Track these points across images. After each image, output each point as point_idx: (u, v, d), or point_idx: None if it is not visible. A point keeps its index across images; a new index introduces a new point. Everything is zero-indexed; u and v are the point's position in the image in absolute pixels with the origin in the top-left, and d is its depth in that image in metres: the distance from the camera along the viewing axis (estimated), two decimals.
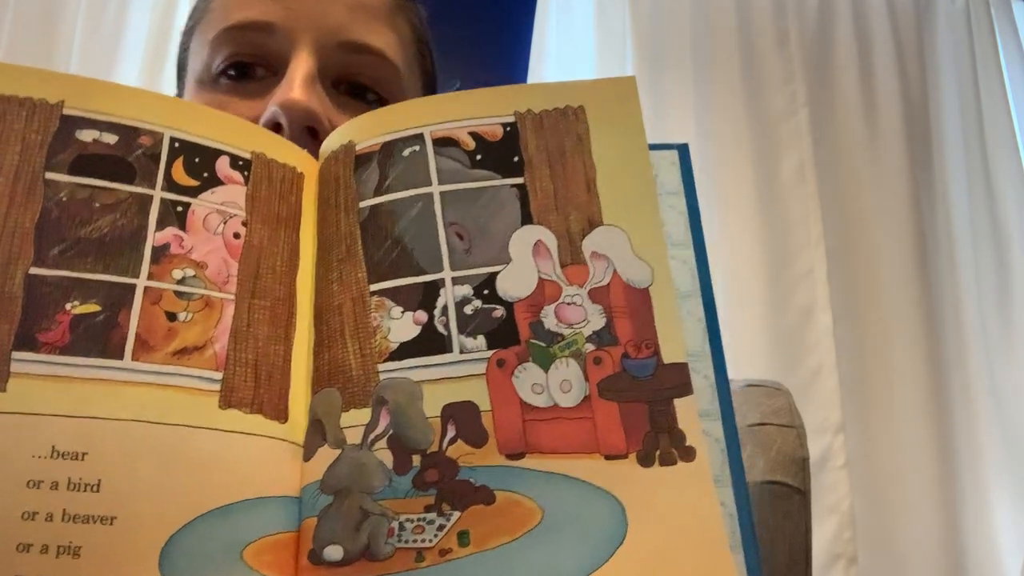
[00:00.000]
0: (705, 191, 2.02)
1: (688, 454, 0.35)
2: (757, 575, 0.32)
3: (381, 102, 0.54)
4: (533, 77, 2.05)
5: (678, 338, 0.36)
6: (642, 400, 0.35)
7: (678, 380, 0.36)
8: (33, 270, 0.34)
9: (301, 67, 0.50)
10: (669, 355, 0.36)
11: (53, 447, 0.32)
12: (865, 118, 2.13)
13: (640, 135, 0.39)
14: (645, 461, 0.35)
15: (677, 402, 0.35)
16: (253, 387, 0.36)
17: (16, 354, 0.33)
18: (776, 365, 1.91)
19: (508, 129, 0.39)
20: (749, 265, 1.96)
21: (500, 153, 0.39)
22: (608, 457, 0.35)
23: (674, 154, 0.40)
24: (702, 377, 0.37)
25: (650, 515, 0.33)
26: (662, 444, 0.35)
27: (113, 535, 0.32)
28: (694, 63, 2.08)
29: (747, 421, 0.85)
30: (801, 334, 1.95)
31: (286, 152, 0.41)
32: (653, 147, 0.40)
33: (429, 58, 0.59)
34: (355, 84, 0.53)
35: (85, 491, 0.32)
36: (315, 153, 0.43)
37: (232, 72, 0.51)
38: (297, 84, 0.48)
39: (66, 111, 0.37)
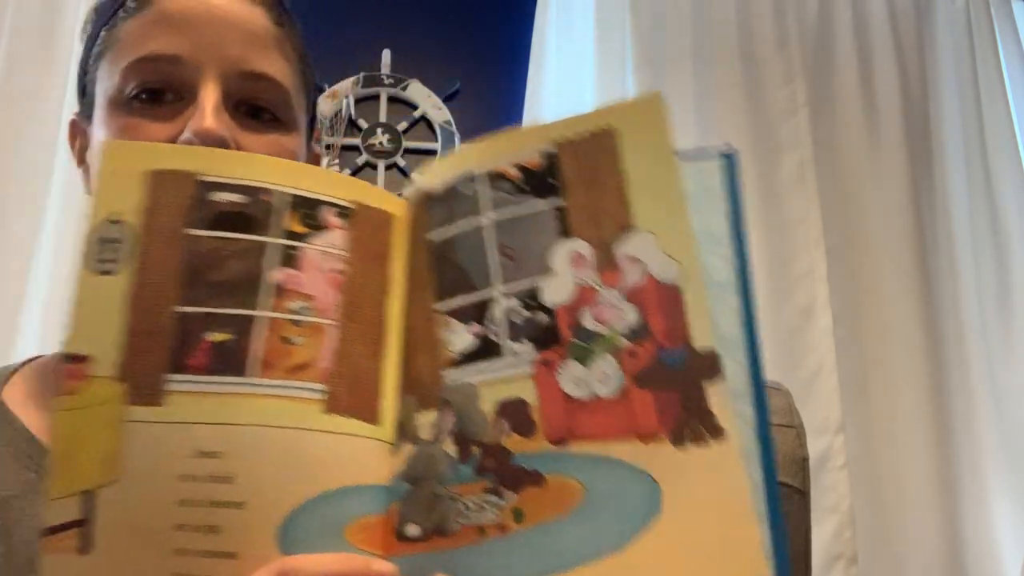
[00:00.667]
0: None
1: (718, 434, 0.38)
2: (781, 546, 0.35)
3: (275, 120, 0.60)
4: (533, 77, 2.05)
5: (707, 327, 0.40)
6: (675, 387, 0.39)
7: (708, 366, 0.39)
8: (180, 308, 0.43)
9: (210, 97, 0.56)
10: (699, 343, 0.40)
11: (197, 448, 0.41)
12: (865, 118, 2.13)
13: (667, 147, 0.43)
14: (678, 442, 0.38)
15: (708, 387, 0.39)
16: (350, 396, 0.43)
17: (170, 376, 0.42)
18: (776, 365, 1.91)
19: (548, 158, 0.45)
20: None
21: (542, 179, 0.45)
22: (643, 439, 0.39)
23: (724, 160, 0.44)
24: (736, 362, 0.39)
25: (683, 491, 0.37)
26: (693, 426, 0.38)
27: (243, 516, 0.41)
28: (694, 63, 2.08)
29: None
30: (801, 334, 1.95)
31: (380, 198, 0.48)
32: (704, 155, 0.44)
33: (310, 73, 0.69)
34: (254, 107, 0.60)
35: (222, 483, 0.41)
36: None
37: (144, 96, 0.57)
38: (208, 113, 0.55)
39: (203, 178, 0.45)
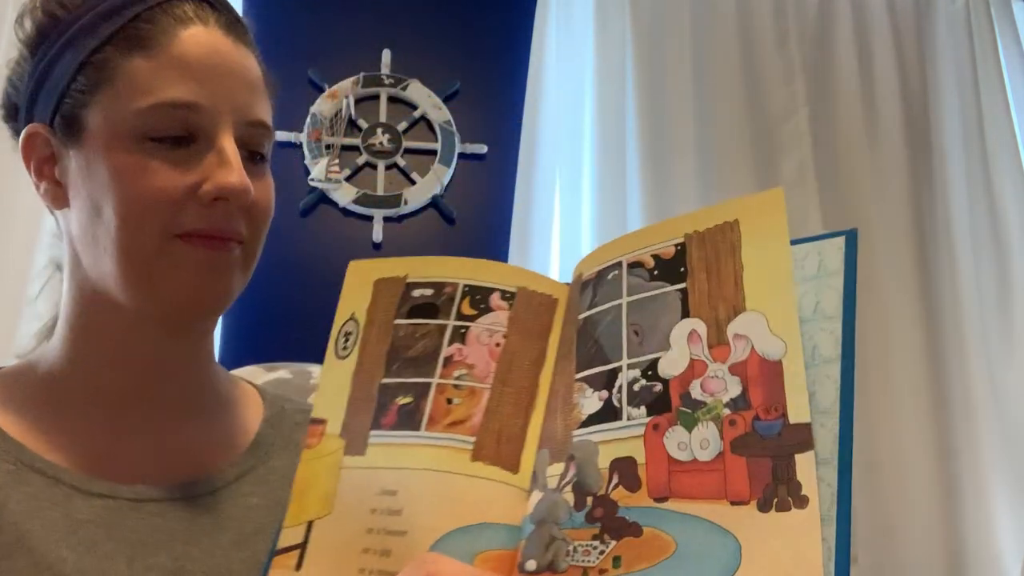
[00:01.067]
0: (705, 191, 2.02)
1: (802, 502, 0.41)
2: None
3: (263, 159, 0.64)
4: (533, 77, 2.05)
5: (804, 402, 0.43)
6: (767, 455, 0.43)
7: (801, 438, 0.42)
8: (382, 381, 0.56)
9: (231, 148, 0.59)
10: (795, 417, 0.43)
11: (382, 488, 0.52)
12: (865, 118, 2.13)
13: (782, 237, 0.48)
14: (764, 507, 0.42)
15: (798, 457, 0.42)
16: (495, 447, 0.52)
17: (371, 433, 0.54)
18: None
19: (679, 248, 0.51)
20: None
21: (671, 267, 0.50)
22: (733, 503, 0.43)
23: (841, 240, 0.47)
24: (827, 430, 0.43)
25: (762, 551, 0.41)
26: (780, 493, 0.42)
27: (405, 542, 0.50)
28: (694, 63, 2.08)
29: None
30: None
31: (544, 284, 0.57)
32: (824, 236, 0.48)
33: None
34: (252, 149, 0.62)
35: (395, 515, 0.51)
36: (240, 221, 0.60)
37: (163, 137, 0.59)
38: (237, 169, 0.59)
39: (408, 280, 0.58)
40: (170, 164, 0.58)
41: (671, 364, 0.47)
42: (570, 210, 2.01)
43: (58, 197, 0.62)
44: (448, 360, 0.55)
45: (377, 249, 2.03)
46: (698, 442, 0.44)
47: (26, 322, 1.69)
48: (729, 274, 0.48)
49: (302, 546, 0.53)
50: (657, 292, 0.50)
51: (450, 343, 0.55)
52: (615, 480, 0.46)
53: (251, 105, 0.62)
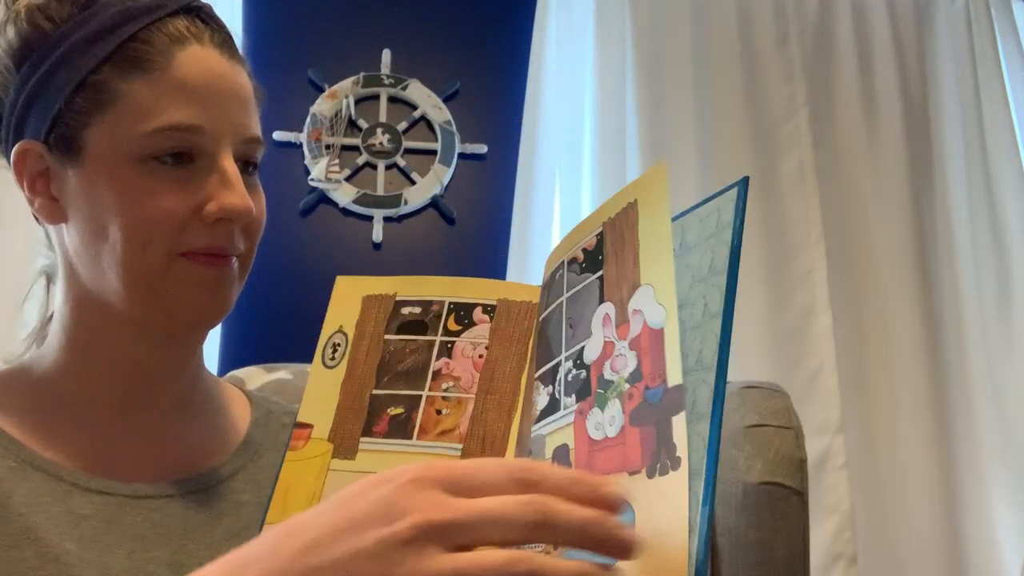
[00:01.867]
0: (705, 191, 2.02)
1: (676, 463, 0.42)
2: (703, 553, 0.39)
3: (255, 170, 0.66)
4: (533, 77, 2.05)
5: (676, 365, 0.45)
6: (652, 423, 0.44)
7: (676, 401, 0.43)
8: (373, 392, 0.60)
9: (233, 170, 0.61)
10: (671, 380, 0.44)
11: None
12: (865, 118, 2.13)
13: (663, 207, 0.49)
14: (651, 473, 0.43)
15: (674, 419, 0.43)
16: (480, 452, 0.55)
17: (362, 439, 0.58)
18: (776, 365, 1.91)
19: (599, 237, 0.53)
20: (749, 265, 1.96)
21: (594, 257, 0.53)
22: (631, 473, 0.44)
23: (735, 191, 0.48)
24: (707, 385, 0.44)
25: (649, 517, 0.42)
26: (662, 458, 0.43)
27: None
28: (694, 63, 2.08)
29: (745, 422, 0.85)
30: (801, 334, 1.96)
31: (523, 292, 0.60)
32: (724, 190, 0.48)
33: None
34: (247, 164, 0.64)
35: None
36: (238, 238, 0.62)
37: (167, 159, 0.60)
38: (239, 189, 0.61)
39: (397, 298, 0.62)
40: (173, 185, 0.60)
41: (591, 350, 0.50)
42: (570, 210, 2.02)
43: (55, 213, 0.62)
44: (436, 373, 0.59)
45: (377, 249, 2.03)
46: (607, 420, 0.47)
47: (17, 327, 1.69)
48: (630, 253, 0.50)
49: None
50: (584, 284, 0.53)
51: (438, 358, 0.59)
52: (555, 465, 0.48)
53: (247, 123, 0.63)
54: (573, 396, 0.50)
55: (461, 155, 2.09)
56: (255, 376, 1.09)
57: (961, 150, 2.13)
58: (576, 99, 2.08)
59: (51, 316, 0.67)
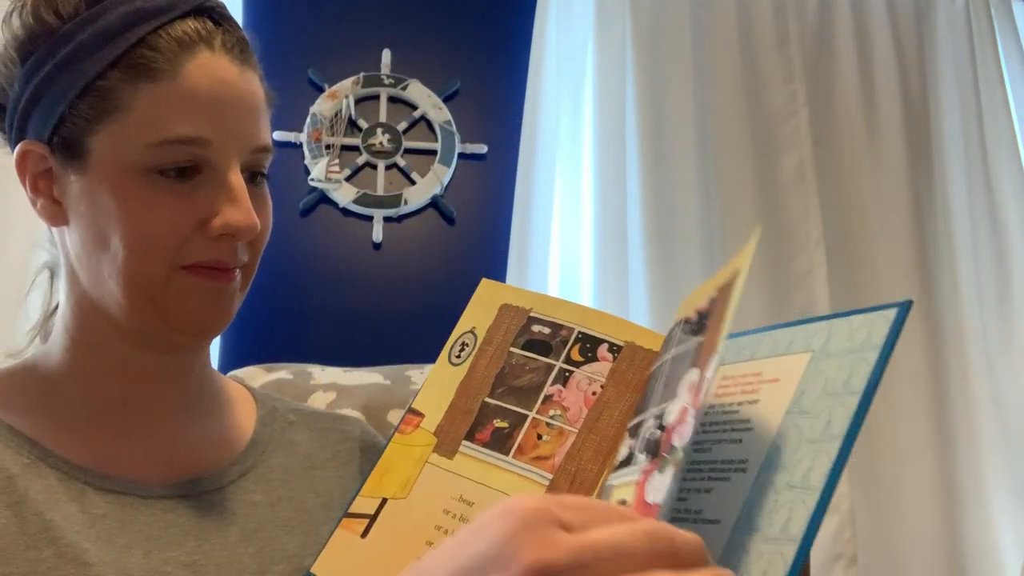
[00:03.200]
0: (705, 191, 2.02)
1: None
2: None
3: (264, 178, 0.64)
4: (533, 77, 2.05)
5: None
6: None
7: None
8: (486, 399, 0.60)
9: (239, 184, 0.60)
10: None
11: (461, 495, 0.57)
12: (865, 118, 2.13)
13: (741, 280, 0.49)
14: None
15: None
16: (567, 487, 0.55)
17: (464, 442, 0.59)
18: None
19: (712, 301, 0.53)
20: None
21: (702, 320, 0.52)
22: None
23: (893, 312, 0.47)
24: (803, 504, 0.44)
25: None
26: None
27: None
28: (694, 63, 2.08)
29: None
30: None
31: (652, 340, 0.60)
32: (881, 307, 0.48)
33: None
34: (255, 173, 0.63)
35: (463, 523, 0.55)
36: (242, 250, 0.62)
37: (170, 171, 0.59)
38: (245, 205, 0.60)
39: (531, 314, 0.63)
40: (177, 197, 0.59)
41: (671, 413, 0.49)
42: (570, 210, 2.02)
43: (56, 215, 0.61)
44: (547, 398, 0.59)
45: (377, 249, 2.03)
46: (662, 485, 0.46)
47: (19, 319, 1.69)
48: (720, 323, 0.49)
49: (372, 518, 0.58)
50: (687, 345, 0.52)
51: (553, 383, 0.60)
52: None
53: (256, 133, 0.62)
54: (646, 454, 0.49)
55: (461, 155, 2.09)
56: (255, 376, 1.09)
57: (961, 150, 2.13)
58: (576, 99, 2.08)
59: (55, 309, 0.67)
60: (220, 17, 0.62)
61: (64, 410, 0.62)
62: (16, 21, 0.62)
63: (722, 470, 0.50)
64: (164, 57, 0.59)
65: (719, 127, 2.05)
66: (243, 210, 0.59)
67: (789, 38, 2.13)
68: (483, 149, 2.10)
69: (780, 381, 0.51)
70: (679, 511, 0.50)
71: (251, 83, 0.62)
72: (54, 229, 0.64)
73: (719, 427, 0.52)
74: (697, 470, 0.51)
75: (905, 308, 0.46)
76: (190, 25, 0.60)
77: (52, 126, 0.60)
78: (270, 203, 0.65)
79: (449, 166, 2.07)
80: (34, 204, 0.62)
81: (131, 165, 0.58)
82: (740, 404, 0.52)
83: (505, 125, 2.10)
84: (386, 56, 2.12)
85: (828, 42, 2.17)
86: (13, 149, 0.62)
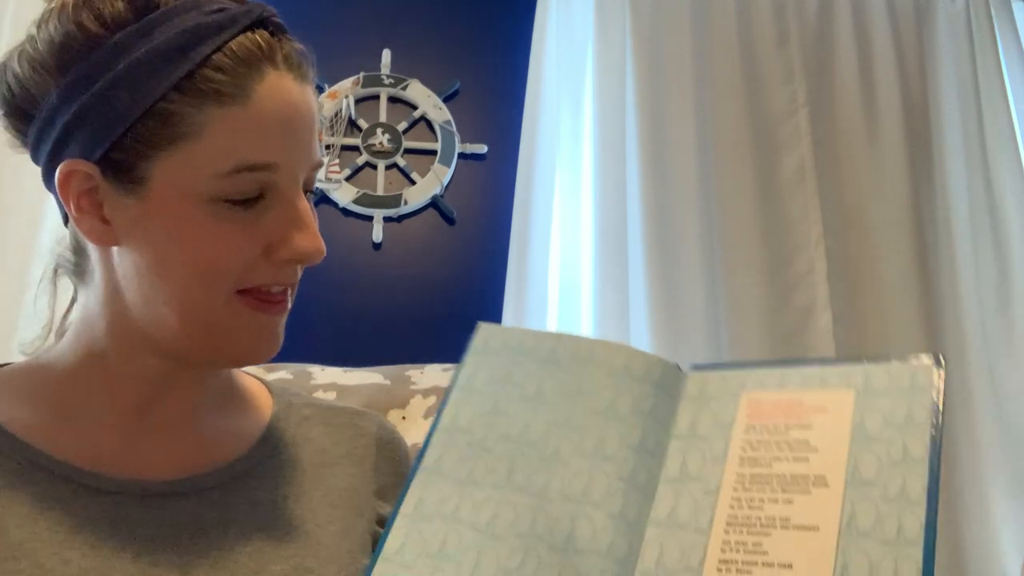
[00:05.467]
0: (705, 191, 2.02)
1: None
2: None
3: (311, 194, 0.63)
4: (533, 77, 2.05)
5: None
6: None
7: None
8: None
9: (307, 210, 0.59)
10: None
11: None
12: (865, 118, 2.13)
13: None
14: None
15: None
16: None
17: None
18: None
19: None
20: (749, 265, 1.96)
21: None
22: None
23: (931, 363, 0.57)
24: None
25: None
26: None
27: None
28: (694, 63, 2.08)
29: None
30: (801, 334, 1.95)
31: None
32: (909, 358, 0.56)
33: None
34: (309, 188, 0.62)
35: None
36: (297, 276, 0.61)
37: (235, 200, 0.57)
38: (313, 231, 0.59)
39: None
40: (244, 225, 0.57)
41: None
42: (570, 210, 2.02)
43: (105, 235, 0.58)
44: None
45: (377, 249, 2.03)
46: None
47: (20, 322, 1.69)
48: None
49: None
50: None
51: None
52: None
53: (315, 150, 0.61)
54: None
55: (461, 155, 2.09)
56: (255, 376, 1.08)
57: (961, 150, 2.13)
58: (576, 99, 2.08)
59: (71, 305, 0.66)
60: (276, 28, 0.60)
61: (71, 411, 0.61)
62: (53, 24, 0.58)
63: (798, 484, 0.52)
64: (231, 80, 0.56)
65: (719, 127, 2.05)
66: (311, 236, 0.59)
67: (789, 38, 2.13)
68: (483, 149, 2.10)
69: (829, 412, 0.55)
70: (753, 517, 0.52)
71: (311, 99, 0.61)
72: (94, 247, 0.61)
73: (773, 445, 0.55)
74: (762, 482, 0.53)
75: (940, 362, 0.53)
76: (252, 39, 0.57)
77: (105, 147, 0.56)
78: (316, 214, 0.63)
79: (449, 166, 2.07)
80: (77, 222, 0.58)
81: (198, 193, 0.56)
82: (789, 427, 0.55)
83: (505, 125, 2.10)
84: (386, 56, 2.12)
85: (828, 42, 2.17)
86: (41, 161, 0.60)
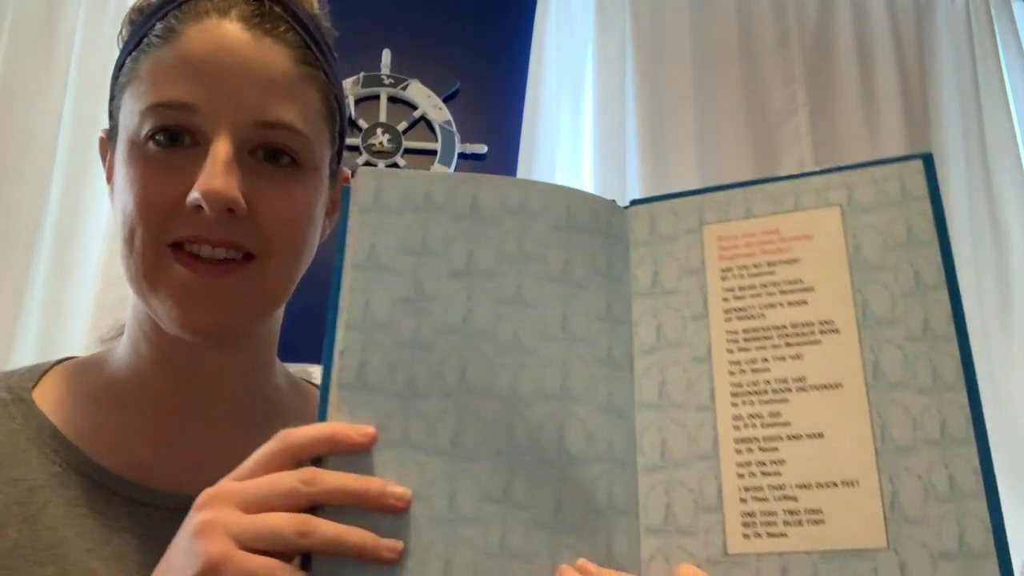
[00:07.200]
0: None
1: None
2: None
3: (294, 164, 0.59)
4: (533, 77, 2.05)
5: None
6: None
7: None
8: None
9: (220, 153, 0.54)
10: None
11: None
12: (865, 118, 2.13)
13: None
14: None
15: None
16: None
17: None
18: None
19: None
20: None
21: None
22: None
23: (918, 163, 0.48)
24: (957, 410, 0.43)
25: None
26: None
27: None
28: (694, 63, 2.08)
29: None
30: None
31: None
32: (895, 159, 0.47)
33: (339, 107, 0.65)
34: (271, 151, 0.58)
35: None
36: (235, 231, 0.55)
37: (160, 138, 0.56)
38: (218, 171, 0.54)
39: None
40: (163, 168, 0.55)
41: None
42: None
43: (113, 199, 0.61)
44: None
45: None
46: None
47: (21, 322, 1.69)
48: None
49: None
50: None
51: None
52: None
53: (260, 105, 0.56)
54: None
55: (461, 155, 2.09)
56: None
57: (961, 150, 2.13)
58: (576, 99, 2.08)
59: None
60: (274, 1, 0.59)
61: (118, 409, 0.61)
62: (122, 38, 0.64)
63: (803, 334, 0.45)
64: (165, 25, 0.57)
65: (719, 127, 2.05)
66: (214, 176, 0.53)
67: (789, 38, 2.13)
68: (483, 149, 2.10)
69: (815, 238, 0.46)
70: (760, 381, 0.44)
71: (265, 52, 0.57)
72: None
73: (760, 289, 0.46)
74: (761, 337, 0.45)
75: (928, 158, 0.45)
76: (216, 2, 0.58)
77: (108, 112, 0.62)
78: (295, 192, 0.59)
79: (449, 166, 2.07)
80: (109, 191, 0.63)
81: (133, 135, 0.57)
82: (772, 264, 0.46)
83: (505, 125, 2.10)
84: (386, 56, 2.12)
85: (828, 42, 2.17)
86: None
